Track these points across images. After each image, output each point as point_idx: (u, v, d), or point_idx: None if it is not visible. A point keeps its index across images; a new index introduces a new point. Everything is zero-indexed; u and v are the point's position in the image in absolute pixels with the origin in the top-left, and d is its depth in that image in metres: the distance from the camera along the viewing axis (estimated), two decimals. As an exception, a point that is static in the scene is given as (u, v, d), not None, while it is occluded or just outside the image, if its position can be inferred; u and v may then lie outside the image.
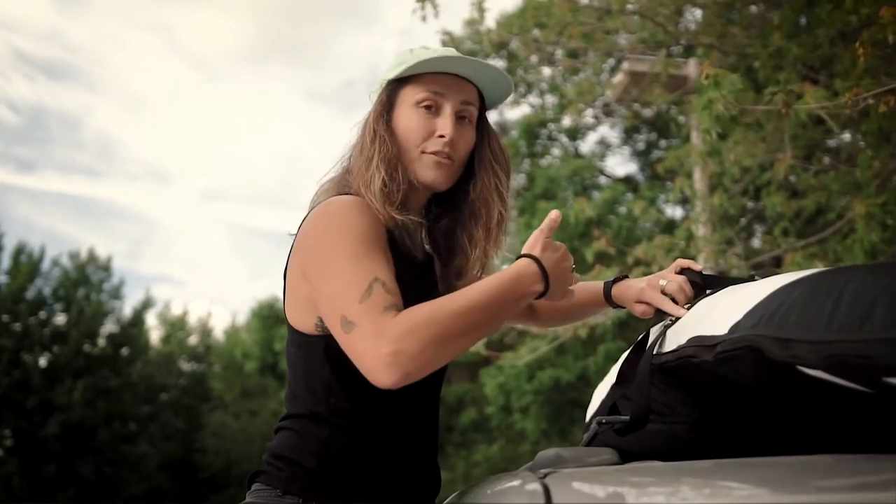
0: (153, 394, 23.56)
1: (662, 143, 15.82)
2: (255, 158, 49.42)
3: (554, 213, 1.49)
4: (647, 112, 12.77)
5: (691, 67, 7.92)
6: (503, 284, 1.40)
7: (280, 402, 22.95)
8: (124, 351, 23.23)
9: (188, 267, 47.76)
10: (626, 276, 1.87)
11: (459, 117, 1.61)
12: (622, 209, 13.65)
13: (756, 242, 9.91)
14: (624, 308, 1.84)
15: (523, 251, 1.48)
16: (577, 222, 5.60)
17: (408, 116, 1.60)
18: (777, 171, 4.41)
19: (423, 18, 5.72)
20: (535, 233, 1.49)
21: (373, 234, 1.46)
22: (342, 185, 1.61)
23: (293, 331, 1.57)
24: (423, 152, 1.59)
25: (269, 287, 49.83)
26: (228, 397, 25.10)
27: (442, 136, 1.59)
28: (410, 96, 1.61)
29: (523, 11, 8.09)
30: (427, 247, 1.70)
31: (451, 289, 1.73)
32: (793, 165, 4.46)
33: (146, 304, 24.69)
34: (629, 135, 15.85)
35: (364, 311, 1.32)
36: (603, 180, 15.53)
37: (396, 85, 1.63)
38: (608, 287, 1.85)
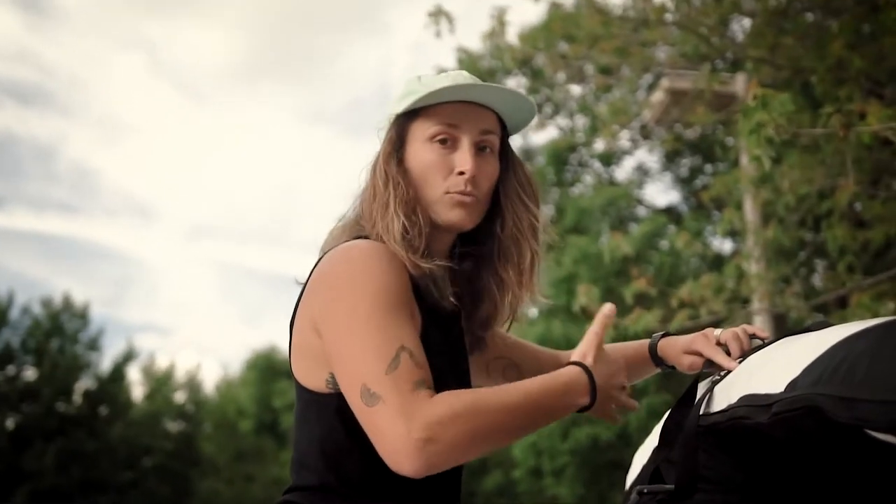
0: (135, 458, 23.57)
1: (708, 168, 15.84)
2: (248, 190, 49.90)
3: (607, 308, 1.53)
4: (690, 134, 12.79)
5: (739, 83, 7.97)
6: (551, 391, 1.43)
7: (281, 466, 22.91)
8: (102, 410, 23.29)
9: (175, 313, 48.10)
10: (672, 333, 1.87)
11: (479, 148, 1.62)
12: (664, 243, 13.65)
13: (817, 280, 9.87)
14: (672, 368, 1.84)
15: (575, 357, 1.50)
16: (613, 259, 5.59)
17: (421, 154, 1.61)
18: (839, 199, 4.41)
19: (437, 34, 5.80)
20: (589, 335, 1.52)
21: (398, 288, 1.48)
22: (356, 230, 1.62)
23: (301, 388, 1.57)
24: (444, 192, 1.60)
25: (265, 335, 50.04)
26: (220, 461, 25.09)
27: (462, 174, 1.60)
28: (422, 131, 1.62)
29: (549, 23, 8.17)
30: (452, 297, 1.70)
31: (477, 342, 1.74)
32: (857, 192, 4.44)
33: (128, 357, 24.81)
34: (670, 159, 15.88)
35: (391, 384, 1.34)
36: (641, 211, 15.55)
37: (406, 119, 1.64)
38: (654, 343, 1.85)
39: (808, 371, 1.16)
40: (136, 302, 46.95)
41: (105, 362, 25.35)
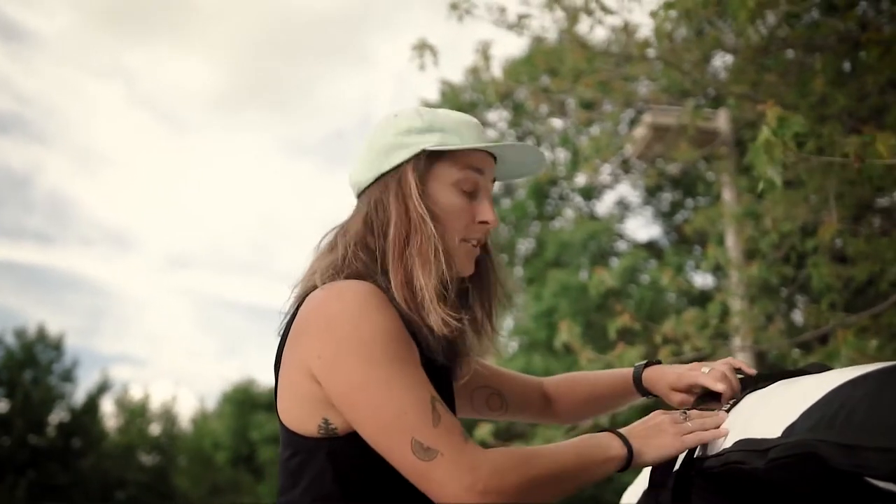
0: (108, 491, 23.34)
1: (689, 202, 15.94)
2: (227, 221, 49.78)
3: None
4: (672, 169, 12.87)
5: (721, 120, 8.02)
6: (590, 442, 1.46)
7: (256, 499, 22.69)
8: (76, 442, 23.08)
9: (150, 344, 47.73)
10: (659, 362, 1.86)
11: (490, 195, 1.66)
12: (644, 277, 13.69)
13: (797, 316, 9.91)
14: (655, 397, 1.83)
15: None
16: (598, 293, 5.58)
17: (448, 199, 1.59)
18: (823, 236, 4.41)
19: (422, 67, 5.81)
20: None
21: (402, 333, 1.47)
22: (345, 269, 1.58)
23: (289, 433, 1.54)
24: (461, 240, 1.60)
25: (243, 367, 49.75)
26: (195, 495, 24.85)
27: (485, 223, 1.61)
28: (449, 173, 1.60)
29: (531, 58, 8.22)
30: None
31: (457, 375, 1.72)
32: (841, 230, 4.46)
33: (102, 388, 24.62)
34: (651, 194, 15.98)
35: (446, 437, 1.38)
36: (622, 245, 15.60)
37: (430, 157, 1.60)
38: (638, 372, 1.84)
39: (806, 416, 1.15)
40: (111, 333, 46.71)
41: (79, 394, 25.22)
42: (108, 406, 27.55)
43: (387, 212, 1.58)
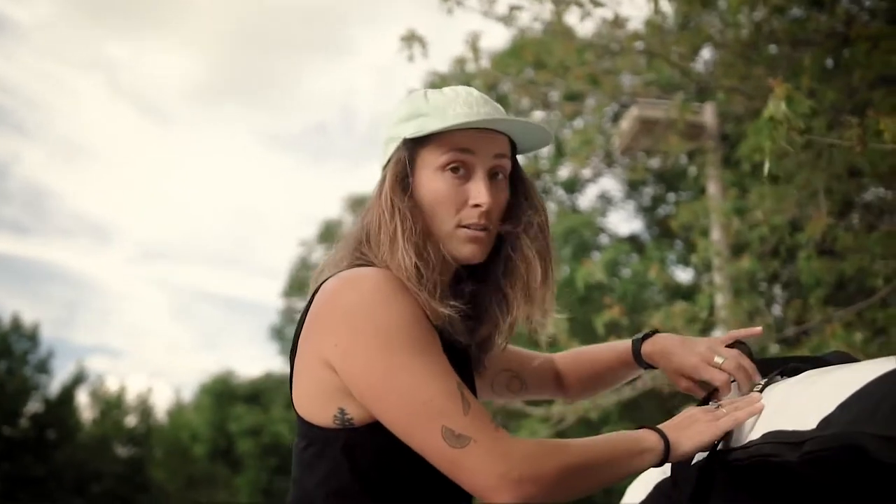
0: (83, 483, 23.18)
1: (671, 197, 15.98)
2: (206, 213, 49.52)
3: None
4: (655, 163, 12.89)
5: (707, 114, 8.03)
6: (622, 438, 1.44)
7: (233, 492, 22.62)
8: (50, 434, 22.91)
9: (127, 336, 47.47)
10: (657, 331, 1.81)
11: (491, 175, 1.55)
12: (625, 271, 13.73)
13: (775, 310, 9.93)
14: (656, 368, 1.79)
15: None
16: (584, 286, 5.57)
17: (432, 184, 1.54)
18: (812, 230, 4.42)
19: (410, 58, 5.76)
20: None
21: (421, 317, 1.44)
22: (356, 256, 1.55)
23: (305, 424, 1.51)
24: (456, 226, 1.54)
25: (221, 359, 49.54)
26: (171, 487, 24.73)
27: (477, 206, 1.53)
28: (434, 158, 1.54)
29: (518, 49, 8.18)
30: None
31: (476, 363, 1.68)
32: (832, 225, 4.47)
33: (77, 379, 24.45)
34: (633, 188, 16.00)
35: (475, 424, 1.35)
36: (604, 239, 15.62)
37: (414, 143, 1.56)
38: (637, 346, 1.79)
39: (844, 408, 1.13)
40: (87, 324, 46.42)
41: (54, 385, 25.01)
42: (83, 398, 27.37)
43: (374, 204, 1.57)
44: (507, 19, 6.04)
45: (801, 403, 1.25)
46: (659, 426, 1.46)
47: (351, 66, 45.04)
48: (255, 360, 53.58)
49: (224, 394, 22.98)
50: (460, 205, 1.53)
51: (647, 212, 16.24)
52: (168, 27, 50.92)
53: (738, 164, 7.28)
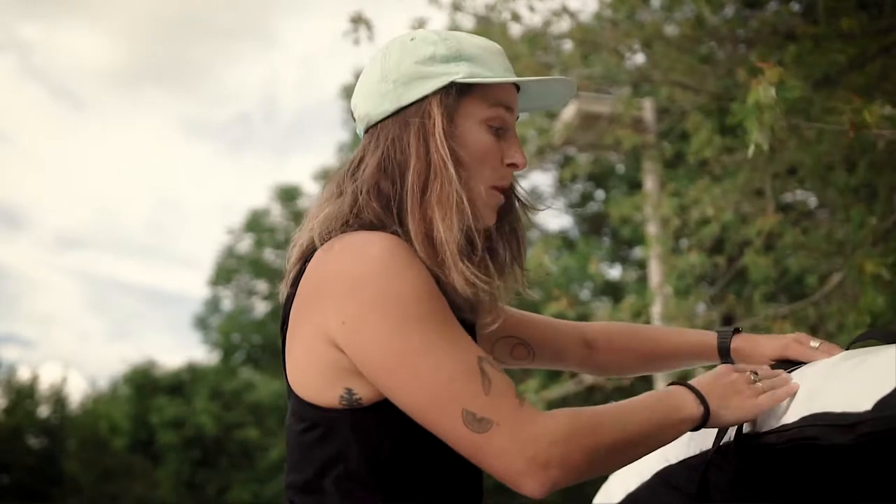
0: (-7, 476, 22.59)
1: (599, 194, 16.15)
2: (122, 201, 48.27)
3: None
4: (585, 158, 12.96)
5: (646, 110, 8.07)
6: (661, 405, 1.35)
7: (150, 486, 22.25)
8: (-41, 424, 22.26)
9: (39, 325, 46.14)
10: (739, 329, 1.75)
11: None
12: (553, 268, 13.81)
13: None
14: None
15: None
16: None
17: (477, 139, 1.43)
18: (762, 226, 4.47)
19: (356, 42, 5.67)
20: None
21: (435, 290, 1.34)
22: (359, 221, 1.42)
23: (303, 404, 1.40)
24: (491, 186, 1.46)
25: (137, 349, 48.60)
26: (84, 480, 24.20)
27: (514, 165, 1.46)
28: (478, 111, 1.44)
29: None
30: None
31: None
32: (781, 221, 4.52)
33: (-12, 368, 23.77)
34: (563, 184, 16.10)
35: (498, 405, 1.26)
36: (534, 234, 15.69)
37: (459, 91, 1.43)
38: (726, 340, 1.72)
39: (907, 388, 1.09)
40: (-2, 312, 44.99)
41: (-36, 374, 24.32)
42: (-7, 387, 26.62)
43: (405, 153, 1.41)
44: (453, 7, 6.00)
45: (848, 385, 1.21)
46: (700, 387, 1.37)
47: (273, 56, 44.51)
48: (174, 350, 52.54)
49: (145, 385, 22.59)
50: (497, 163, 1.46)
51: (576, 208, 16.38)
52: (86, 9, 49.77)
53: (680, 159, 7.35)
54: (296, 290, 1.41)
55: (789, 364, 1.51)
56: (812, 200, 7.66)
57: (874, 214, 4.44)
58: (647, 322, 5.75)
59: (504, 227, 1.54)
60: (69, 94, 47.95)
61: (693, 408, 1.34)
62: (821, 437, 1.19)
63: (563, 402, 5.36)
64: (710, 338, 1.75)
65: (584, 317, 5.27)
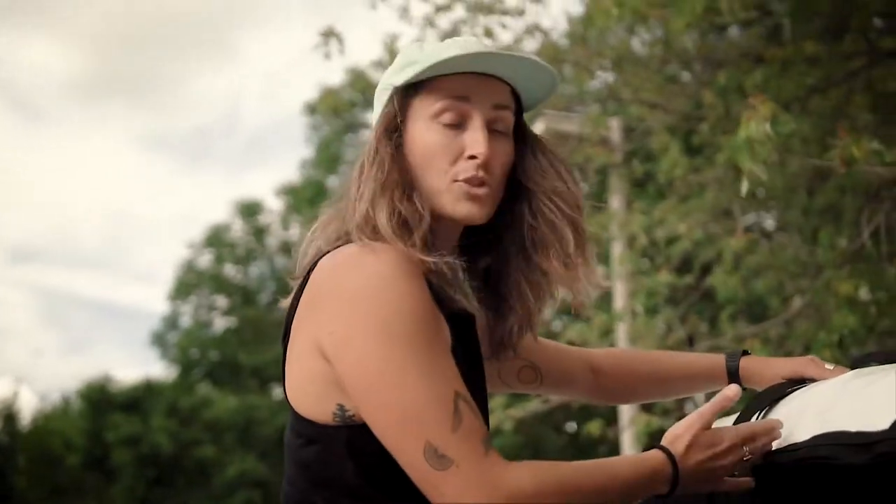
0: (-60, 492, 22.17)
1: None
2: (78, 213, 47.61)
3: (731, 391, 1.39)
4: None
5: (613, 129, 8.11)
6: (637, 475, 1.29)
7: (104, 502, 21.95)
8: None
9: (-11, 339, 45.38)
10: (747, 352, 1.72)
11: (491, 127, 1.42)
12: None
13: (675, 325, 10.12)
14: (745, 389, 1.65)
15: (667, 438, 1.34)
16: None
17: (425, 135, 1.41)
18: (735, 247, 4.50)
19: (327, 56, 5.66)
20: (693, 416, 1.35)
21: (428, 305, 1.30)
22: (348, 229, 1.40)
23: (301, 420, 1.37)
24: (452, 180, 1.40)
25: (91, 364, 47.90)
26: (33, 496, 23.84)
27: (473, 158, 1.39)
28: (426, 107, 1.41)
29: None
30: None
31: (502, 349, 1.57)
32: (753, 240, 4.55)
33: (-63, 382, 23.35)
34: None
35: (463, 446, 1.21)
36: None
37: (406, 93, 1.43)
38: (735, 363, 1.69)
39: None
40: (-54, 325, 44.18)
41: (-89, 388, 23.89)
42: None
43: (360, 160, 1.44)
44: (427, 23, 6.00)
45: (861, 404, 1.20)
46: (680, 462, 1.30)
47: (235, 71, 44.18)
48: (130, 366, 51.85)
49: (100, 400, 22.29)
50: (455, 157, 1.40)
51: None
52: (45, 20, 49.13)
53: (648, 178, 7.39)
54: (299, 300, 1.39)
55: (797, 382, 1.50)
56: (770, 223, 7.76)
57: (841, 236, 4.50)
58: (612, 344, 5.75)
59: (519, 259, 1.49)
60: (26, 105, 47.15)
61: (664, 485, 1.30)
62: (834, 456, 1.18)
63: (531, 419, 5.36)
64: (719, 360, 1.72)
65: (550, 335, 5.25)
